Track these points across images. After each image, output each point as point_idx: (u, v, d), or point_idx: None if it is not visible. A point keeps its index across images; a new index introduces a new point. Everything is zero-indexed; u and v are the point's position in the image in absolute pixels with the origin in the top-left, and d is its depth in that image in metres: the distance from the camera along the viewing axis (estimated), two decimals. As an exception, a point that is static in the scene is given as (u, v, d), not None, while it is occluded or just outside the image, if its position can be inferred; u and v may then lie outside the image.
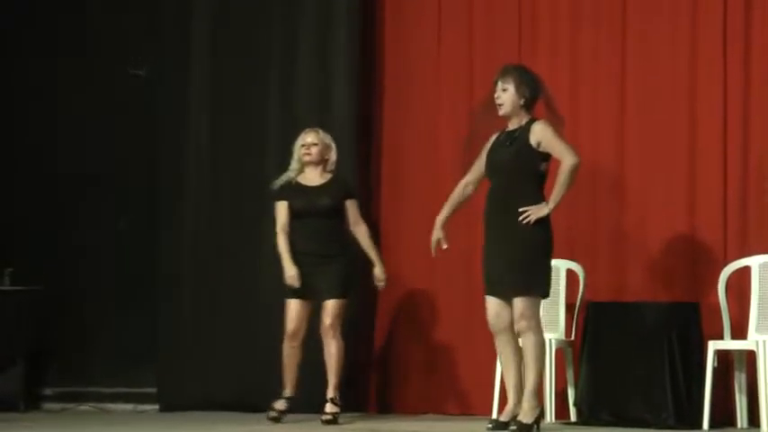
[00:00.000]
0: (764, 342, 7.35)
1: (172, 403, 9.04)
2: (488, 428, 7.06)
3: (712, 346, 7.43)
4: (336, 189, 8.01)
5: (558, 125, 7.10)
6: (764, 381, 7.26)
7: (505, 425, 7.00)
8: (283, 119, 8.88)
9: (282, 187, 8.04)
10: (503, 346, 7.11)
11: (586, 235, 8.28)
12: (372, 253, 8.06)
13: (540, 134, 6.99)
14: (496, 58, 8.36)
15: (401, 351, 8.88)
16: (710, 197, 7.90)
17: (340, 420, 7.74)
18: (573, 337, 8.08)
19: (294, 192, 7.99)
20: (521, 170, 7.01)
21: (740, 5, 8.06)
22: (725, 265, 7.68)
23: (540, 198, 7.01)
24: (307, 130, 8.10)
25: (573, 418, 7.86)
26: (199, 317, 9.09)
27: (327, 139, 8.08)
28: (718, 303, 7.62)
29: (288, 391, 7.89)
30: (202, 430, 7.39)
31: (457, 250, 8.70)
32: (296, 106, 9.01)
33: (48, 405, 9.51)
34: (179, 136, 9.31)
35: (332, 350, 7.83)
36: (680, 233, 8.04)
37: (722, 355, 7.56)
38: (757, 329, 7.58)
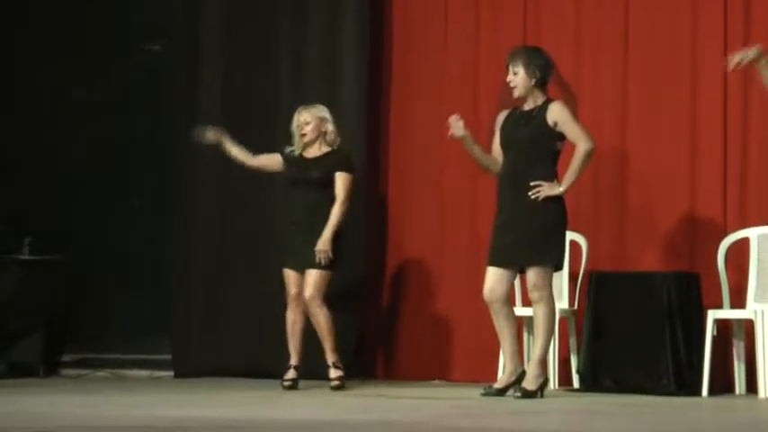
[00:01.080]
0: (762, 311, 7.37)
1: (186, 370, 9.06)
2: (482, 394, 7.10)
3: (712, 315, 7.44)
4: (329, 162, 7.88)
5: (570, 102, 7.12)
6: (762, 349, 7.28)
7: (501, 391, 7.07)
8: (293, 95, 8.82)
9: (287, 154, 7.95)
10: (495, 316, 7.15)
11: (589, 207, 8.31)
12: (330, 223, 7.72)
13: (558, 115, 7.03)
14: (501, 26, 8.59)
15: (408, 320, 8.95)
16: (711, 171, 7.91)
17: (347, 386, 7.71)
18: (576, 307, 8.10)
19: (293, 161, 7.93)
20: (538, 148, 7.06)
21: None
22: (724, 236, 7.68)
23: (553, 175, 7.06)
24: (299, 108, 7.99)
25: (576, 384, 7.87)
26: (211, 286, 9.11)
27: (321, 112, 7.94)
28: (718, 274, 7.63)
29: (294, 360, 7.84)
30: (215, 395, 7.38)
31: (463, 223, 8.74)
32: (305, 82, 9.00)
33: (66, 371, 9.52)
34: (191, 115, 9.28)
35: (318, 319, 7.76)
36: (681, 205, 8.05)
37: (721, 324, 7.57)
38: (756, 299, 7.60)
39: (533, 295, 7.02)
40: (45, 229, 9.48)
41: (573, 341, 8.04)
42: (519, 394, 6.92)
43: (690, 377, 7.37)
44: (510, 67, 7.11)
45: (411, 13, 9.11)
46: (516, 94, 7.11)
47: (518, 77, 7.08)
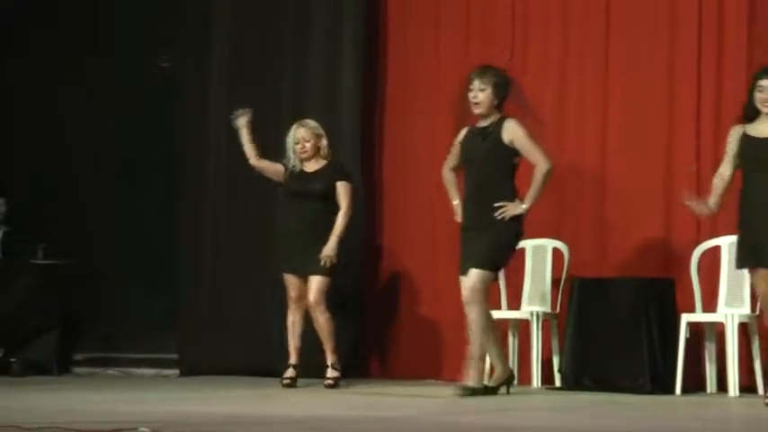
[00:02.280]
0: (732, 315, 7.40)
1: (191, 368, 9.06)
2: (460, 395, 6.94)
3: (685, 318, 7.46)
4: (329, 174, 7.86)
5: (537, 125, 7.14)
6: (732, 350, 7.30)
7: (495, 389, 7.08)
8: (295, 110, 8.86)
9: (289, 173, 7.92)
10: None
11: (572, 217, 8.31)
12: (335, 230, 7.74)
13: (513, 133, 6.99)
14: (490, 38, 8.58)
15: (402, 322, 8.91)
16: (684, 185, 7.85)
17: (341, 384, 7.72)
18: (558, 310, 8.10)
19: (295, 176, 7.91)
20: (495, 163, 7.02)
21: (713, 12, 8.10)
22: (697, 244, 7.69)
23: (512, 188, 7.05)
24: (296, 124, 7.96)
25: (558, 383, 7.86)
26: (216, 287, 9.10)
27: (317, 129, 7.93)
28: (691, 280, 7.63)
29: (293, 359, 7.83)
30: (219, 392, 7.39)
31: (455, 229, 8.73)
32: (306, 92, 9.02)
33: (78, 369, 9.53)
34: (199, 121, 9.31)
35: (320, 323, 7.75)
36: (656, 217, 8.05)
37: (694, 327, 7.58)
38: (726, 303, 7.61)
39: (468, 297, 6.96)
40: (58, 235, 9.48)
41: (555, 343, 8.04)
42: (461, 393, 6.89)
43: (664, 376, 7.38)
44: (476, 83, 7.02)
45: (406, 23, 9.08)
46: (478, 110, 7.05)
47: (484, 95, 7.01)
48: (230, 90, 9.25)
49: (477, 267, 6.93)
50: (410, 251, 8.92)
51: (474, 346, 6.98)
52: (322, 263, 7.69)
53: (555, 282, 8.17)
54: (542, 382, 7.96)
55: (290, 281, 7.85)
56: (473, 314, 6.94)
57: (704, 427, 5.41)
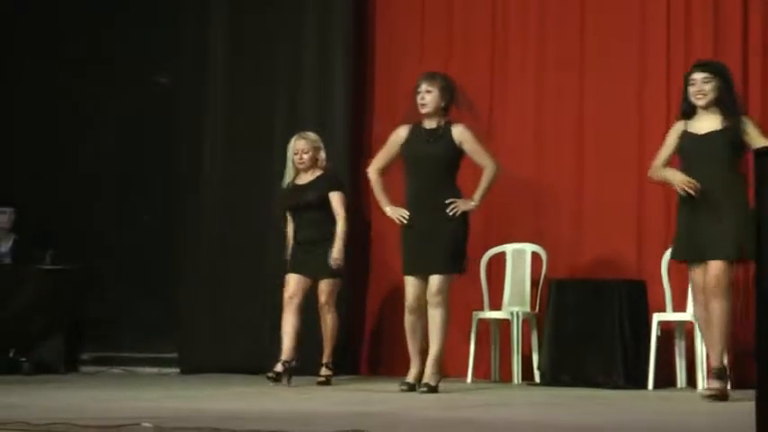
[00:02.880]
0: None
1: (191, 367, 9.05)
2: (401, 390, 6.99)
3: (656, 317, 7.51)
4: (322, 184, 7.85)
5: (476, 123, 7.15)
6: (700, 348, 7.33)
7: (414, 386, 7.02)
8: (288, 120, 8.89)
9: (282, 191, 7.97)
10: (417, 321, 7.06)
11: (549, 223, 8.34)
12: (338, 237, 7.76)
13: (462, 136, 6.99)
14: (474, 61, 8.58)
15: (389, 323, 8.92)
16: (655, 194, 7.90)
17: (333, 382, 7.74)
18: (537, 310, 8.14)
19: (289, 192, 7.92)
20: (446, 165, 6.98)
21: (681, 29, 8.15)
22: (666, 248, 7.69)
23: (457, 189, 7.04)
24: (297, 136, 7.95)
25: (537, 379, 7.90)
26: (213, 290, 9.09)
27: (316, 141, 7.93)
28: (662, 281, 7.68)
29: (285, 356, 7.75)
30: (217, 389, 7.38)
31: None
32: (300, 109, 9.04)
33: (84, 368, 9.49)
34: (196, 134, 9.34)
35: (328, 323, 7.80)
36: (629, 223, 8.11)
37: (664, 326, 7.63)
38: (695, 305, 7.65)
39: (435, 299, 6.92)
40: (65, 242, 9.49)
41: (535, 341, 8.08)
42: (425, 389, 6.88)
43: (637, 372, 7.42)
44: (424, 86, 6.99)
45: (392, 34, 9.11)
46: (425, 110, 7.00)
47: (431, 96, 6.97)
48: (226, 103, 9.28)
49: (442, 272, 6.93)
50: (397, 254, 8.88)
51: (439, 346, 6.96)
52: (334, 266, 7.71)
53: (534, 283, 8.21)
54: (523, 379, 7.99)
55: (292, 280, 7.81)
56: (442, 317, 6.94)
57: (674, 420, 5.43)
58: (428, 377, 6.91)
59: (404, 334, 8.76)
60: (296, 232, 7.91)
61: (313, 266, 7.79)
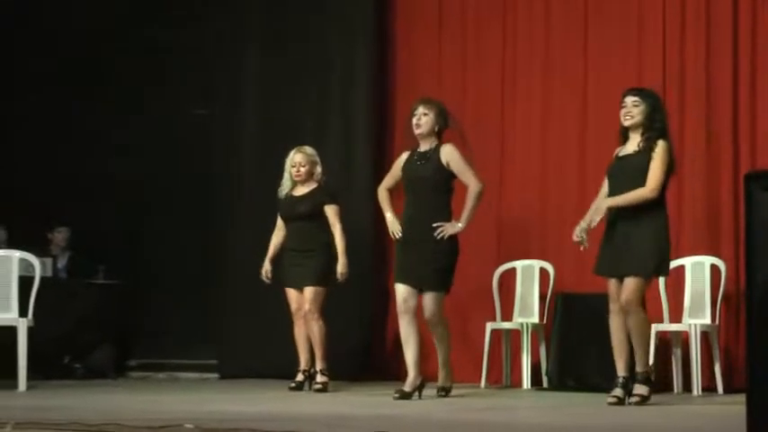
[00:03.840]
0: (696, 325, 7.45)
1: (229, 372, 9.09)
2: (395, 398, 6.61)
3: (654, 328, 7.43)
4: (316, 197, 7.63)
5: (469, 153, 6.91)
6: (695, 356, 7.35)
7: (409, 395, 6.66)
8: (316, 135, 8.88)
9: (279, 200, 7.80)
10: (407, 326, 6.75)
11: (556, 241, 8.32)
12: (340, 251, 7.53)
13: (449, 156, 6.75)
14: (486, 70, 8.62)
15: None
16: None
17: (330, 389, 7.48)
18: (545, 321, 8.14)
19: (284, 203, 7.75)
20: (435, 185, 6.75)
21: (676, 51, 8.16)
22: (662, 267, 7.75)
23: (449, 208, 6.79)
24: (295, 150, 7.75)
25: (545, 384, 7.91)
26: (250, 301, 9.06)
27: (314, 156, 7.73)
28: (660, 294, 7.67)
29: (302, 365, 7.63)
30: (254, 393, 7.39)
31: (461, 237, 8.70)
32: (327, 128, 9.10)
33: (132, 374, 9.57)
34: (232, 159, 9.43)
35: (313, 330, 7.50)
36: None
37: (662, 335, 7.64)
38: (690, 315, 7.66)
39: (433, 319, 6.71)
40: (115, 259, 9.56)
41: (542, 349, 8.08)
42: (443, 393, 6.80)
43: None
44: (420, 109, 6.81)
45: (413, 47, 9.15)
46: (419, 131, 6.80)
47: (426, 119, 6.78)
48: (259, 127, 9.38)
49: (435, 291, 6.71)
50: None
51: (445, 353, 6.89)
52: (341, 279, 7.53)
53: (542, 297, 8.21)
54: (532, 384, 7.98)
55: (291, 294, 7.67)
56: (442, 334, 6.81)
57: (670, 422, 5.43)
58: (442, 380, 6.85)
59: (422, 340, 8.80)
60: (287, 241, 7.70)
61: (299, 275, 7.55)
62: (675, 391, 7.56)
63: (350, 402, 6.41)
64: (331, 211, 7.63)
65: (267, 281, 7.78)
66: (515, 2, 8.79)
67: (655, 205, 6.32)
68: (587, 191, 8.34)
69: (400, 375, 8.72)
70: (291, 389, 7.51)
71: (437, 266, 6.69)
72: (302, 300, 7.58)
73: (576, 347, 7.71)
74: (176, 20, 9.81)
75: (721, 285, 7.64)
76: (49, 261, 9.24)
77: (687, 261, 7.75)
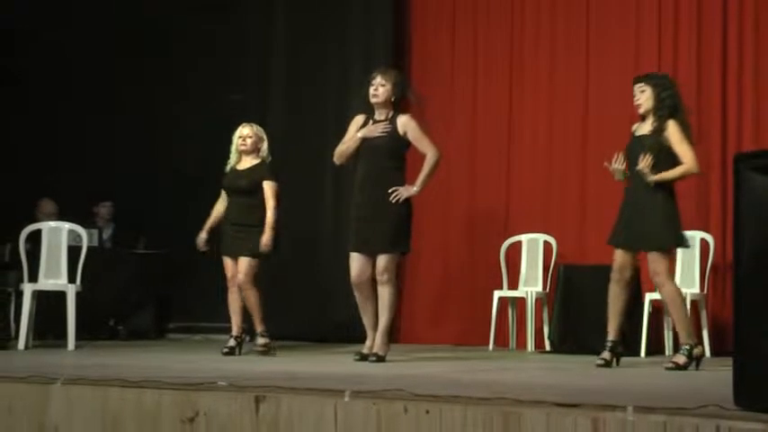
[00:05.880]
0: (686, 293, 7.38)
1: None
2: (355, 359, 6.47)
3: (648, 296, 7.51)
4: (257, 173, 7.30)
5: (425, 124, 6.66)
6: (685, 321, 7.32)
7: (365, 357, 6.47)
8: (337, 127, 8.87)
9: (225, 174, 7.47)
10: (362, 296, 6.52)
11: (559, 216, 8.35)
12: (267, 224, 7.18)
13: (406, 125, 6.46)
14: (495, 80, 8.55)
15: (425, 298, 8.96)
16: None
17: (273, 350, 7.30)
18: (548, 290, 8.15)
19: (228, 176, 7.43)
20: (388, 151, 6.45)
21: (670, 53, 8.12)
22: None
23: (402, 176, 6.50)
24: (243, 124, 7.45)
25: (547, 347, 7.93)
26: (280, 268, 8.84)
27: (261, 132, 7.42)
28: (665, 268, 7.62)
29: (235, 331, 7.32)
30: (282, 354, 7.37)
31: (460, 220, 8.72)
32: (346, 119, 9.06)
33: (171, 335, 9.63)
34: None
35: (249, 298, 7.21)
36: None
37: (655, 303, 7.63)
38: (681, 285, 7.57)
39: (383, 278, 6.38)
40: (155, 230, 9.60)
41: (545, 315, 8.10)
42: (374, 359, 6.34)
43: (632, 342, 7.38)
44: (378, 79, 6.51)
45: (427, 49, 9.17)
46: (375, 101, 6.49)
47: (384, 89, 6.48)
48: (287, 112, 9.42)
49: (387, 252, 6.40)
50: (427, 237, 8.90)
51: (387, 320, 6.45)
52: (264, 251, 7.17)
53: (545, 267, 8.23)
54: (535, 347, 8.02)
55: (227, 263, 7.35)
56: (389, 293, 6.41)
57: (661, 382, 5.42)
58: (377, 347, 6.42)
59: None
60: (227, 213, 7.37)
61: (236, 246, 7.25)
62: (667, 353, 7.56)
63: (364, 364, 6.36)
64: (268, 188, 7.27)
65: (201, 249, 7.41)
66: (523, 13, 8.78)
67: (666, 184, 6.21)
68: (587, 173, 8.36)
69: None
70: (225, 354, 7.15)
71: (391, 229, 6.40)
72: (236, 269, 7.29)
73: (576, 314, 7.72)
74: (217, 14, 9.85)
75: (710, 258, 7.64)
76: (95, 232, 9.28)
77: (679, 235, 7.71)
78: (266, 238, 7.18)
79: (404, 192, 6.41)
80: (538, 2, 8.74)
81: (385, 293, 6.42)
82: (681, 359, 6.16)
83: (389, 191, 6.39)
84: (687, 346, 6.17)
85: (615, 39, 8.40)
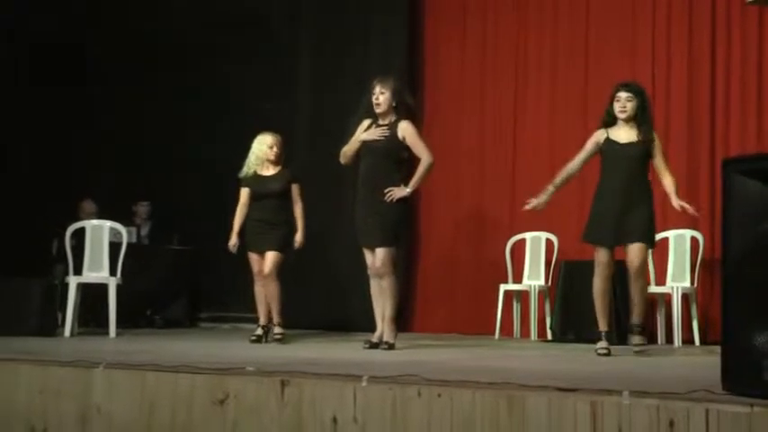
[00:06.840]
0: (677, 287, 7.43)
1: (285, 324, 9.01)
2: (364, 347, 6.44)
3: (641, 289, 7.48)
4: (285, 177, 7.34)
5: (417, 118, 6.70)
6: (677, 313, 7.34)
7: (377, 345, 6.46)
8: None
9: (246, 177, 7.44)
10: (376, 285, 6.51)
11: (560, 215, 8.31)
12: (300, 224, 7.28)
13: (405, 131, 6.46)
14: (501, 89, 8.50)
15: (435, 291, 8.96)
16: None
17: (286, 340, 7.28)
18: (550, 284, 8.14)
19: (254, 180, 7.40)
20: (389, 155, 6.45)
21: (664, 59, 8.11)
22: (650, 237, 7.71)
23: (399, 177, 6.48)
24: (266, 133, 7.44)
25: (549, 337, 7.92)
26: (303, 262, 8.76)
27: (281, 141, 7.44)
28: (647, 261, 7.59)
29: (262, 321, 7.34)
30: (301, 342, 7.40)
31: (470, 217, 8.71)
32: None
33: (203, 324, 9.66)
34: (289, 138, 9.44)
35: (270, 290, 7.24)
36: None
37: (649, 297, 7.52)
38: (672, 279, 7.65)
39: (380, 270, 6.40)
40: (189, 228, 9.62)
41: (547, 307, 8.09)
42: (385, 347, 6.37)
43: (627, 332, 7.26)
44: (378, 88, 6.52)
45: (439, 57, 9.16)
46: (379, 110, 6.50)
47: (384, 97, 6.49)
48: (311, 118, 9.45)
49: (383, 246, 6.40)
50: (438, 235, 8.94)
51: (391, 309, 6.44)
52: (296, 246, 7.24)
53: (547, 263, 8.22)
54: (538, 336, 8.00)
55: (253, 258, 7.36)
56: (389, 284, 6.40)
57: (654, 370, 5.41)
58: (386, 336, 6.43)
59: (445, 296, 8.79)
60: (252, 213, 7.34)
61: (264, 241, 7.26)
62: (659, 343, 7.56)
63: (377, 351, 6.35)
64: (296, 189, 7.36)
65: (233, 251, 7.39)
66: (527, 23, 8.79)
67: (649, 187, 6.28)
68: (587, 174, 8.31)
69: (429, 328, 8.82)
70: (252, 341, 7.17)
71: (385, 225, 6.40)
72: (263, 263, 7.29)
73: (576, 306, 7.70)
74: (253, 29, 9.94)
75: (699, 254, 7.62)
76: (134, 230, 9.34)
77: (671, 233, 7.72)
78: (299, 235, 7.26)
79: (397, 192, 6.41)
80: (541, 18, 8.72)
81: (385, 284, 6.44)
82: (642, 339, 6.27)
83: (385, 190, 6.40)
84: (642, 326, 6.28)
85: (612, 47, 8.38)
